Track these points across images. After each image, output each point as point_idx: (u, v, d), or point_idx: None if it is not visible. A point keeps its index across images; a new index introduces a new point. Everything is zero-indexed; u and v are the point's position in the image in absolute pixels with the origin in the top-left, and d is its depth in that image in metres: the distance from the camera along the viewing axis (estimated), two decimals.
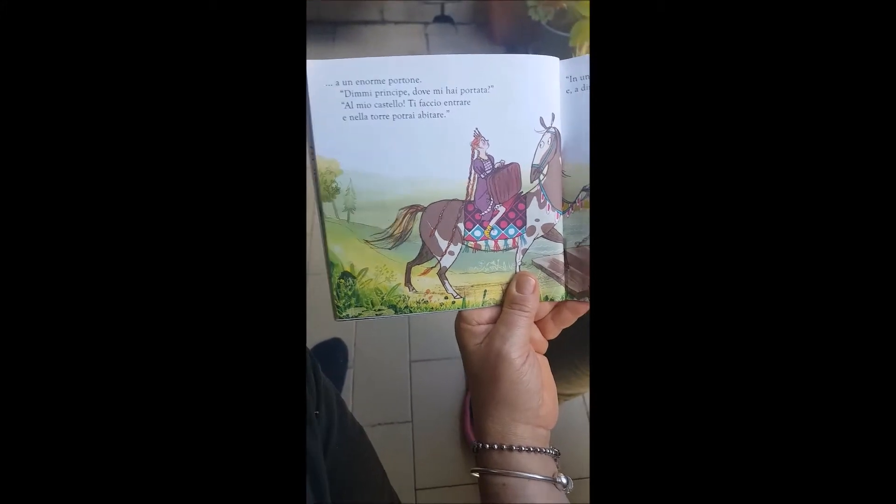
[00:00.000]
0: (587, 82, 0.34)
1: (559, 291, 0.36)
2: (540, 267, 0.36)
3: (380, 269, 0.34)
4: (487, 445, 0.33)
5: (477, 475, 0.33)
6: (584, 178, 0.35)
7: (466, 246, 0.35)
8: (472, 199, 0.34)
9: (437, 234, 0.34)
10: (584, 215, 0.35)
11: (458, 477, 0.84)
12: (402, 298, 0.34)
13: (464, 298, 0.35)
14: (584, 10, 0.79)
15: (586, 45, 0.79)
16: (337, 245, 0.33)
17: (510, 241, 0.35)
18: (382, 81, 0.31)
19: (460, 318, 0.36)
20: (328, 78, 0.30)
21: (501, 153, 0.34)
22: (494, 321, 0.35)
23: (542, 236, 0.36)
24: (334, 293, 0.34)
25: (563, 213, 0.36)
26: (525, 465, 0.32)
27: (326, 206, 0.32)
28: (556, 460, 0.34)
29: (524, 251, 0.35)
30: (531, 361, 0.33)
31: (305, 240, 0.32)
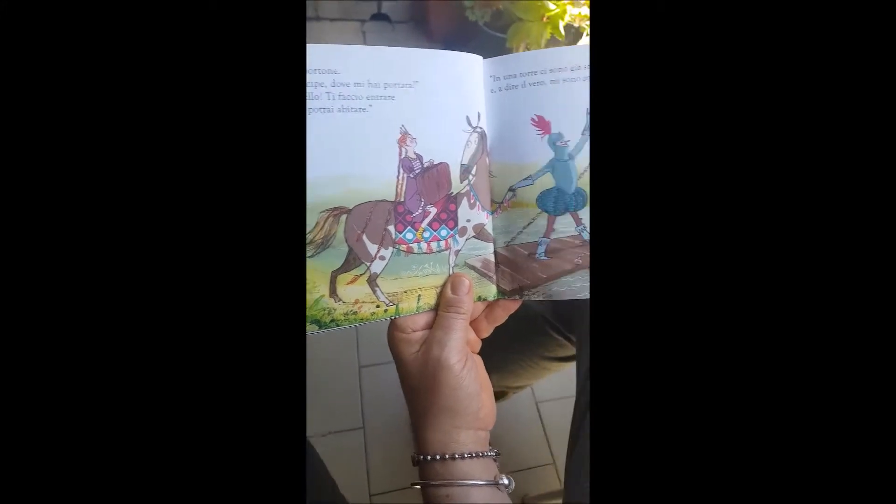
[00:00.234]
0: (511, 81, 0.34)
1: (491, 290, 0.36)
2: (473, 267, 0.35)
3: None
4: (430, 457, 0.32)
5: (419, 488, 0.33)
6: (510, 179, 0.35)
7: (398, 249, 0.33)
8: (403, 199, 0.33)
9: (365, 237, 0.32)
10: (512, 215, 0.35)
11: (412, 481, 0.82)
12: (326, 311, 0.32)
13: (397, 305, 0.33)
14: (521, 11, 0.79)
15: (523, 47, 0.80)
16: None
17: (443, 243, 0.34)
18: None
19: (394, 327, 0.34)
20: None
21: (430, 152, 0.33)
22: (429, 327, 0.34)
23: (473, 237, 0.35)
24: None
25: (493, 213, 0.35)
26: (467, 473, 0.32)
27: None
28: (496, 461, 0.34)
29: (457, 252, 0.35)
30: (469, 365, 0.33)
31: (305, 233, 0.31)
